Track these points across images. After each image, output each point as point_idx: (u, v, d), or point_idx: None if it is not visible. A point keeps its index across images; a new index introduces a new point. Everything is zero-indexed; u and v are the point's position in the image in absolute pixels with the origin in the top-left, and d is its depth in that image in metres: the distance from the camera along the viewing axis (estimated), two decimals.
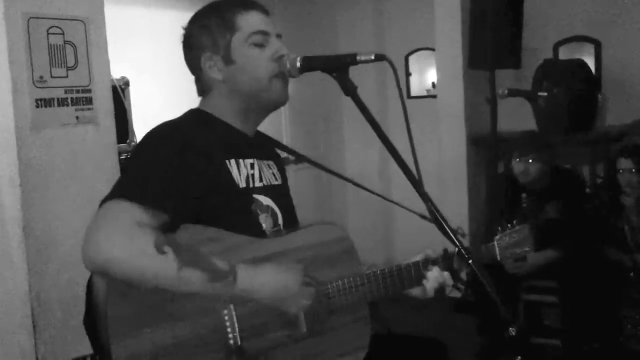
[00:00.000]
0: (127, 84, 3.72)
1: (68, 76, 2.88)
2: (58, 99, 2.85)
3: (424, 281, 1.69)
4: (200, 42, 1.64)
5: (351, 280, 1.62)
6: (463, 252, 1.49)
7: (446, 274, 1.70)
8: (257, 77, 1.62)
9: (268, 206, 1.65)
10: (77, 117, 2.92)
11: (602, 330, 3.37)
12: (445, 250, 1.72)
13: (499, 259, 1.88)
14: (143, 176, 1.47)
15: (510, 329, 1.47)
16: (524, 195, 3.48)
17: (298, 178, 4.51)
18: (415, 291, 1.72)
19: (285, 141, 5.05)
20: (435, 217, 1.47)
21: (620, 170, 3.43)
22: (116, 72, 3.47)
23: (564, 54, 4.48)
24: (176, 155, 1.48)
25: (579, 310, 3.27)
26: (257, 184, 1.65)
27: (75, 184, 2.91)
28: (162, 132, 1.56)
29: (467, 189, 4.51)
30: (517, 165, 3.43)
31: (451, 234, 1.47)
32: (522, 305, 3.56)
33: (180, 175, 1.47)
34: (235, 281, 1.42)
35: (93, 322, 1.42)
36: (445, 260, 1.72)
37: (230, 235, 1.50)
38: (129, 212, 1.39)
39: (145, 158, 1.52)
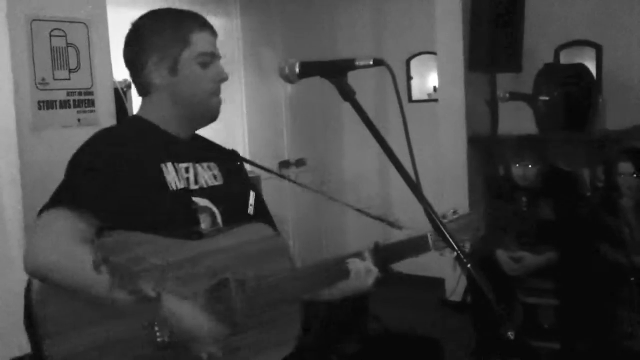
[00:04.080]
0: (128, 86, 3.72)
1: (70, 78, 2.89)
2: (60, 101, 2.86)
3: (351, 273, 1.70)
4: (151, 44, 1.67)
5: (279, 276, 1.64)
6: (462, 256, 1.49)
7: (373, 267, 1.72)
8: (196, 93, 1.68)
9: (205, 207, 1.70)
10: (78, 120, 2.93)
11: (599, 331, 3.38)
12: (376, 243, 1.74)
13: (431, 249, 1.82)
14: (78, 183, 1.55)
15: (509, 332, 1.46)
16: (523, 199, 3.50)
17: (297, 180, 4.51)
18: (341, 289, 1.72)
19: (284, 145, 5.07)
20: (434, 221, 1.47)
21: (622, 175, 3.44)
22: (118, 75, 3.48)
23: (565, 57, 4.48)
24: (109, 161, 1.56)
25: (577, 311, 3.29)
26: (193, 186, 1.70)
27: None
28: (96, 141, 1.63)
29: (467, 192, 4.51)
30: (517, 170, 3.49)
31: (450, 239, 1.47)
32: (520, 307, 3.57)
33: (113, 181, 1.54)
34: (158, 309, 1.47)
35: (30, 321, 1.47)
36: (376, 254, 1.73)
37: (159, 238, 1.54)
38: (66, 221, 1.48)
39: (80, 166, 1.59)
